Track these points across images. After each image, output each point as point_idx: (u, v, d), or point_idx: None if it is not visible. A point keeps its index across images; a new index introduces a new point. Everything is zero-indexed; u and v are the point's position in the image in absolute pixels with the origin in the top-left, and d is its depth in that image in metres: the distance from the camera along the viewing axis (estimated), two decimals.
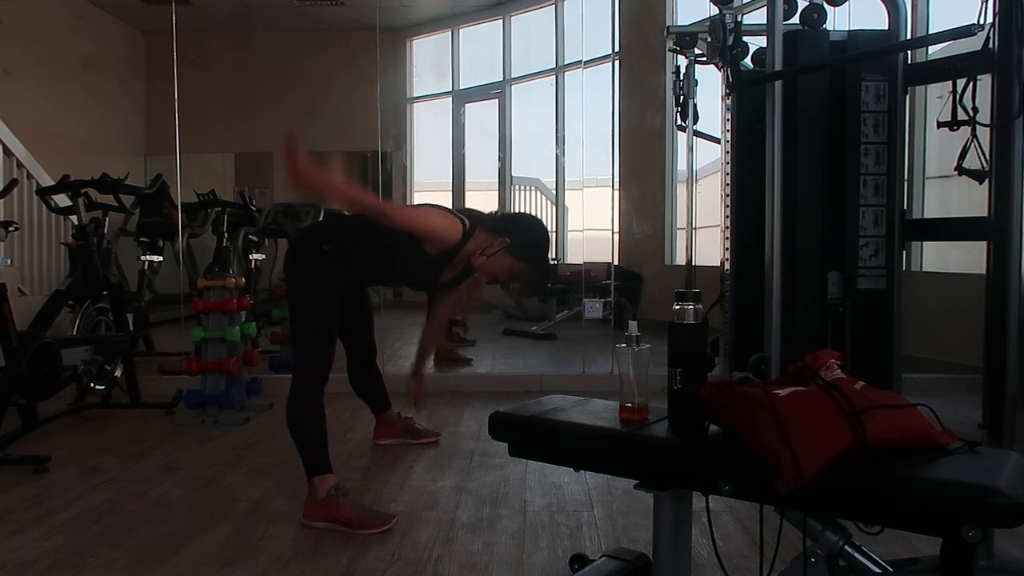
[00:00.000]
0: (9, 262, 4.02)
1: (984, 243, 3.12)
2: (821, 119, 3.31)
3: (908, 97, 3.39)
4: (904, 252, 3.49)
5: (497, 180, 8.45)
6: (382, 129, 7.37)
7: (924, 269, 4.93)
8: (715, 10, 3.69)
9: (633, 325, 1.52)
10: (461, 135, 9.01)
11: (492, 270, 2.46)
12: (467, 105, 8.88)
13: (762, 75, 3.45)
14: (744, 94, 3.71)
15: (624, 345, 1.50)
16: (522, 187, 8.33)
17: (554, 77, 7.93)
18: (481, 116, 8.80)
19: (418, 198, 9.60)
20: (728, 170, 3.89)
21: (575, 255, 6.82)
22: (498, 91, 8.56)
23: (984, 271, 3.13)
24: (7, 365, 3.16)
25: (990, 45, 2.91)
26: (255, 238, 6.32)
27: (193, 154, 7.04)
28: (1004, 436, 2.95)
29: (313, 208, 7.92)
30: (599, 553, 1.75)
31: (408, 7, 8.73)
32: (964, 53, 3.07)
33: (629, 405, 1.51)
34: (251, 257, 6.13)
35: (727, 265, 3.88)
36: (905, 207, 3.46)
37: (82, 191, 3.82)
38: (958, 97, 2.99)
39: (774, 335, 3.27)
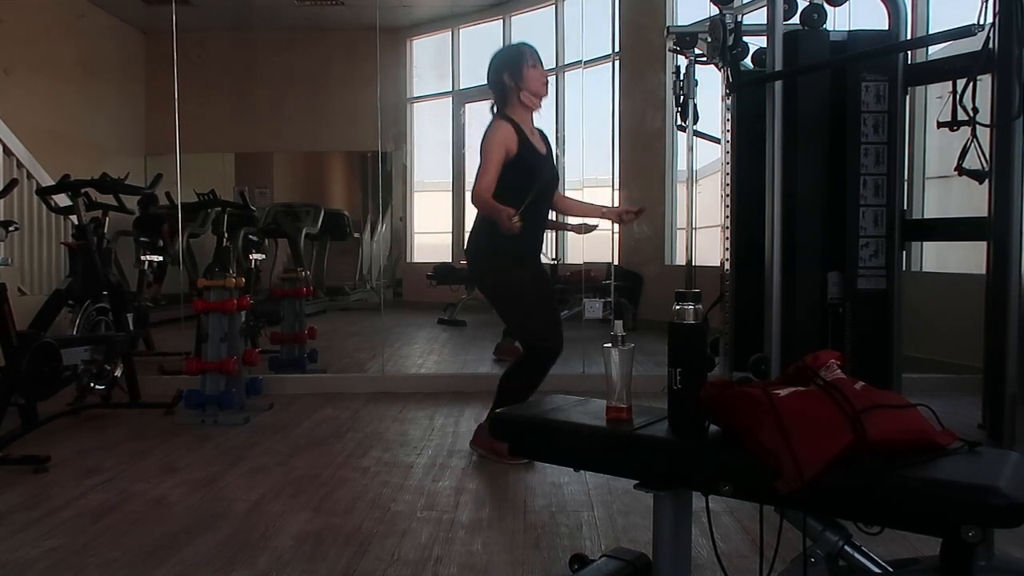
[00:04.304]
0: (9, 262, 4.02)
1: (984, 243, 3.12)
2: (821, 119, 3.31)
3: (908, 97, 3.39)
4: (904, 252, 3.49)
5: None
6: (382, 129, 7.37)
7: (924, 269, 4.93)
8: (715, 10, 3.68)
9: (618, 325, 1.52)
10: (461, 135, 9.01)
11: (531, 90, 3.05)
12: (467, 105, 8.88)
13: (762, 75, 3.44)
14: (744, 94, 3.71)
15: (609, 345, 1.50)
16: None
17: (554, 77, 7.93)
18: (481, 116, 8.79)
19: (418, 198, 9.61)
20: (728, 170, 3.89)
21: (575, 255, 6.82)
22: None
23: (984, 271, 3.13)
24: (7, 365, 3.16)
25: (990, 45, 2.91)
26: (255, 238, 6.31)
27: (193, 154, 7.05)
28: (1004, 436, 2.95)
29: (313, 208, 7.94)
30: (599, 553, 1.75)
31: (408, 7, 8.73)
32: (964, 53, 3.07)
33: (614, 405, 1.51)
34: (251, 257, 6.12)
35: (727, 265, 3.88)
36: (905, 207, 3.46)
37: (82, 191, 3.82)
38: (958, 97, 2.99)
39: (774, 335, 3.27)
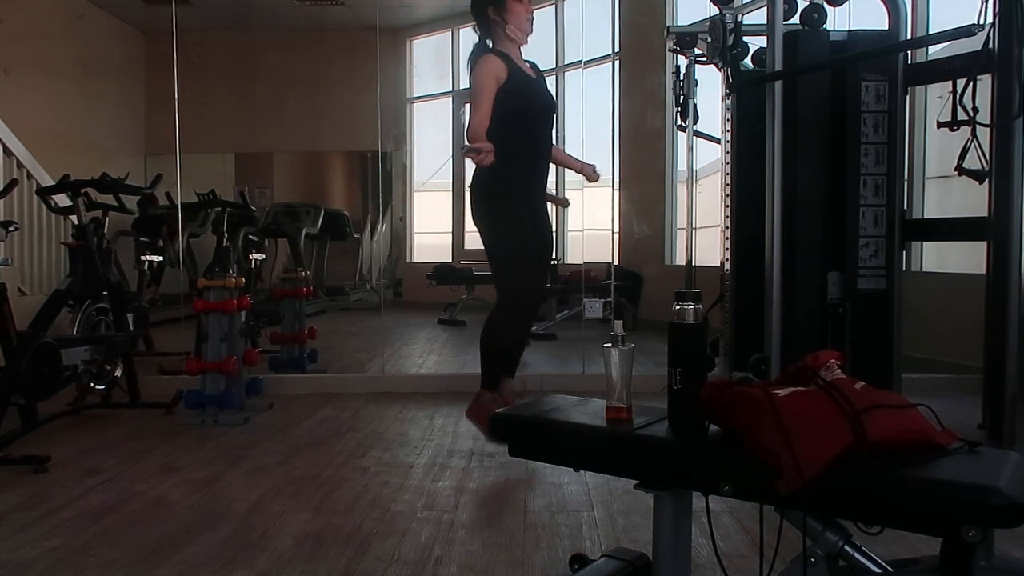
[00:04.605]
0: (9, 262, 4.02)
1: (984, 243, 3.12)
2: (821, 119, 3.31)
3: (908, 97, 3.39)
4: (904, 252, 3.49)
5: None
6: (382, 129, 7.37)
7: (924, 269, 4.93)
8: (715, 10, 3.69)
9: (618, 325, 1.52)
10: (461, 135, 9.00)
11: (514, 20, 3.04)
12: (467, 105, 8.88)
13: (762, 75, 3.44)
14: (744, 94, 3.71)
15: (609, 345, 1.50)
16: None
17: (554, 77, 7.93)
18: None
19: (418, 198, 9.62)
20: (728, 170, 3.89)
21: (575, 255, 6.82)
22: None
23: (984, 271, 3.13)
24: (7, 365, 3.16)
25: (990, 45, 2.91)
26: (255, 238, 6.32)
27: (193, 154, 7.05)
28: (1004, 436, 2.95)
29: (313, 208, 7.95)
30: (599, 553, 1.75)
31: (408, 7, 8.73)
32: (964, 53, 3.07)
33: (614, 405, 1.51)
34: (251, 257, 6.12)
35: (727, 265, 3.88)
36: (905, 207, 3.46)
37: (82, 191, 3.82)
38: (958, 97, 2.99)
39: (774, 335, 3.27)
